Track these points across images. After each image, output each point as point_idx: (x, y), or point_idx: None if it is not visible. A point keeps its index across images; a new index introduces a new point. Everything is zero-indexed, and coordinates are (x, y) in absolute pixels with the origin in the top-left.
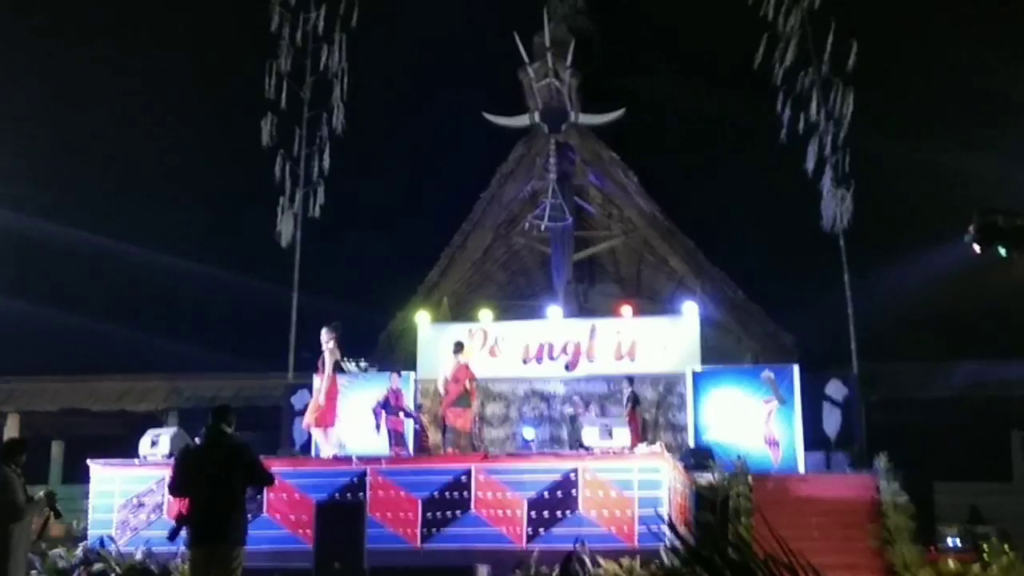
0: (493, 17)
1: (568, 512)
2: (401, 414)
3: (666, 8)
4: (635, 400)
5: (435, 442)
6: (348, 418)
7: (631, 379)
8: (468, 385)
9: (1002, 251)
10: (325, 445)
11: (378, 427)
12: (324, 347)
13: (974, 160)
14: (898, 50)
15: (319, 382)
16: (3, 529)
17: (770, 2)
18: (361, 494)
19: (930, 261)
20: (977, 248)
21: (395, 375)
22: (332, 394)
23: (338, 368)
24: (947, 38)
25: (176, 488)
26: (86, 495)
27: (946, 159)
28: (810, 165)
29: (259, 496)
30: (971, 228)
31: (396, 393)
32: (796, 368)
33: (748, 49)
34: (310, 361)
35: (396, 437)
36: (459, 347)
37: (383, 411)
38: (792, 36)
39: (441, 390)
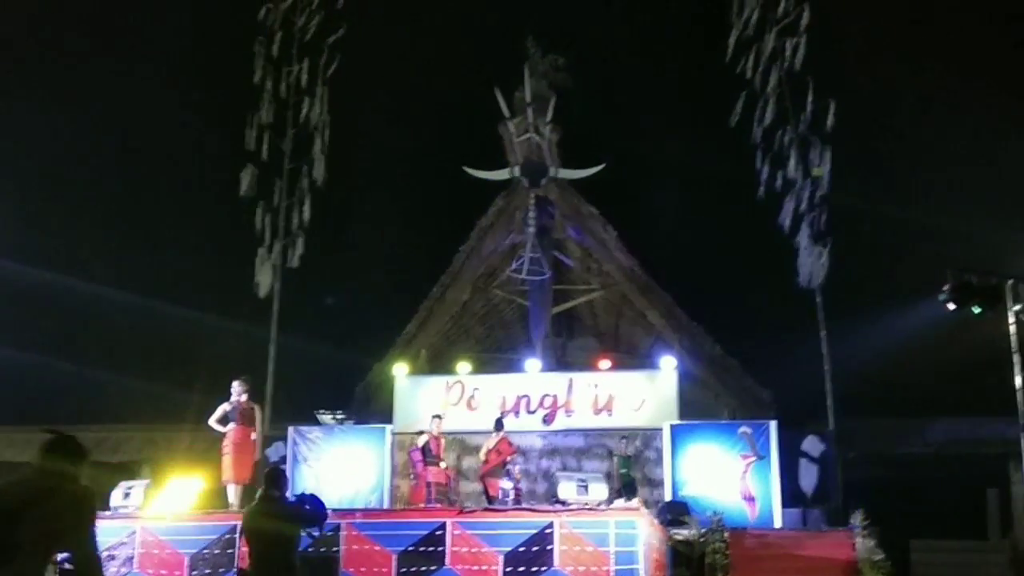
0: (474, 72)
1: (544, 567)
2: (442, 464)
3: (646, 66)
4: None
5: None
6: (325, 470)
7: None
8: (509, 457)
9: (976, 309)
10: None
11: (416, 476)
12: (236, 400)
13: (950, 219)
14: (875, 109)
15: (237, 436)
16: None
17: (748, 61)
18: (335, 548)
19: (906, 318)
20: (952, 306)
21: (437, 419)
22: (252, 447)
23: (250, 420)
24: (924, 98)
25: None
26: None
27: (922, 218)
28: (787, 221)
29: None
30: (946, 287)
31: (438, 440)
32: (773, 424)
33: (727, 106)
34: (287, 413)
35: (438, 491)
36: (500, 423)
37: (423, 460)
38: (771, 95)
39: (482, 457)
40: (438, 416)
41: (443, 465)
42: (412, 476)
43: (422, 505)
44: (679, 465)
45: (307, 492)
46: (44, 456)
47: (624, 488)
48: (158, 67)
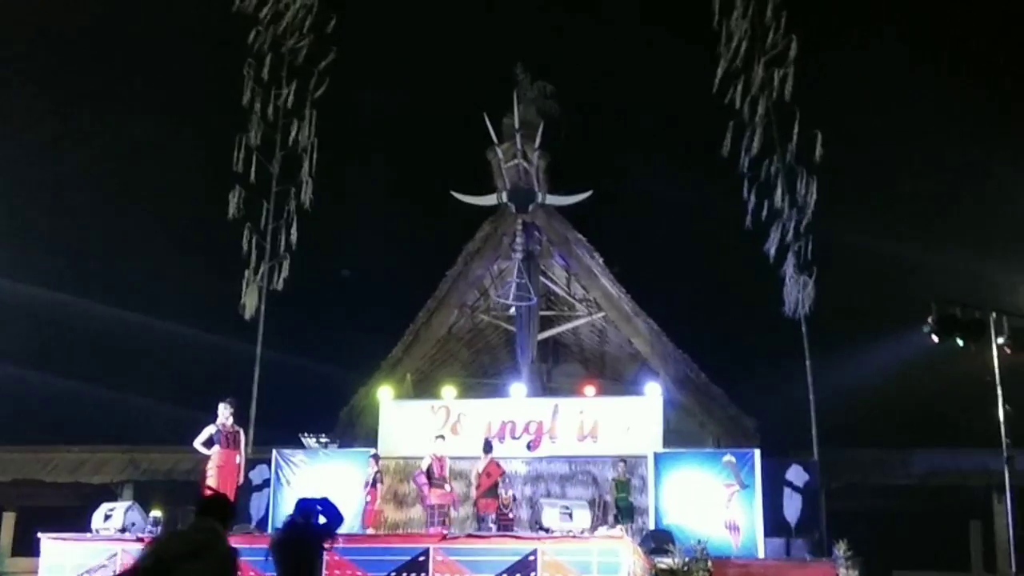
0: (463, 98)
1: None
2: (447, 486)
3: (635, 94)
4: (377, 479)
5: (395, 520)
6: (309, 494)
7: (376, 457)
8: (500, 479)
9: (960, 342)
10: None
11: (424, 500)
12: (222, 422)
13: (935, 252)
14: (862, 141)
15: (221, 459)
16: None
17: (736, 91)
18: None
19: (890, 349)
20: (935, 338)
21: (440, 439)
22: (236, 471)
23: (235, 443)
24: (911, 131)
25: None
26: (36, 568)
27: (907, 250)
28: (772, 251)
29: None
30: (930, 319)
31: (441, 462)
32: (757, 453)
33: (715, 136)
34: (271, 437)
35: (441, 514)
36: (488, 445)
37: (428, 483)
38: (758, 125)
39: (473, 481)
40: (441, 436)
41: (447, 488)
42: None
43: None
44: (663, 493)
45: (316, 497)
46: (199, 515)
47: (621, 513)
48: (147, 88)
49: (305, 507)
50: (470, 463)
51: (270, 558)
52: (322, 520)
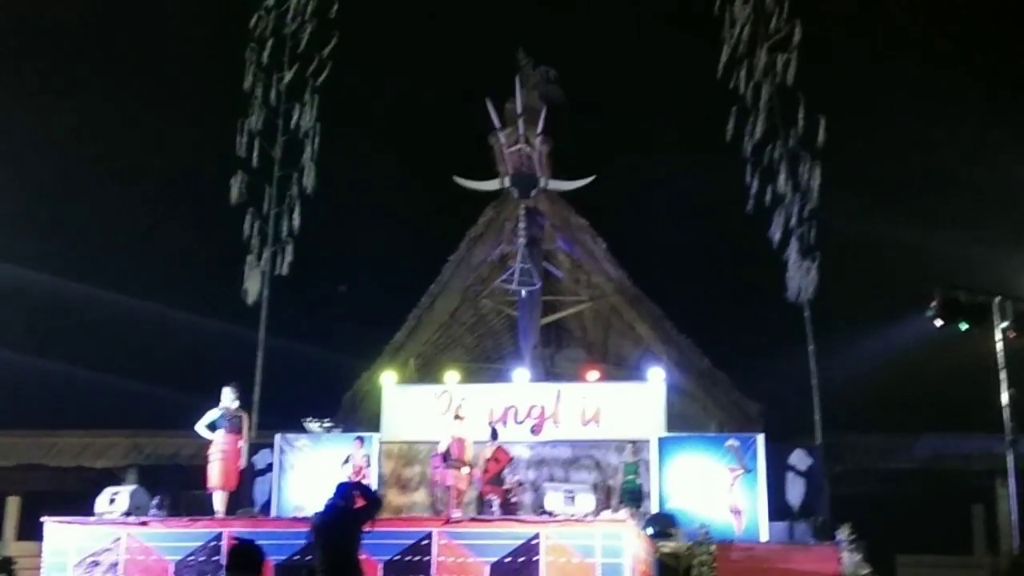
0: (465, 83)
1: None
2: (464, 469)
3: (637, 79)
4: (365, 462)
5: (398, 504)
6: (309, 478)
7: (362, 439)
8: (508, 465)
9: (963, 327)
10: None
11: (435, 482)
12: (226, 407)
13: (938, 237)
14: (866, 126)
15: (225, 443)
16: None
17: (740, 76)
18: None
19: (893, 334)
20: (939, 323)
21: (458, 420)
22: (239, 456)
23: (238, 428)
24: (914, 116)
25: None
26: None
27: (911, 235)
28: (776, 236)
29: None
30: (934, 304)
31: (460, 443)
32: (761, 437)
33: (718, 120)
34: (274, 421)
35: (456, 496)
36: (495, 433)
37: (443, 464)
38: (761, 110)
39: (480, 467)
40: (459, 417)
41: (464, 471)
42: (434, 482)
43: None
44: (666, 477)
45: (350, 482)
46: (231, 570)
47: (629, 496)
48: (149, 72)
49: (345, 491)
50: (473, 448)
51: (312, 540)
52: (360, 503)
